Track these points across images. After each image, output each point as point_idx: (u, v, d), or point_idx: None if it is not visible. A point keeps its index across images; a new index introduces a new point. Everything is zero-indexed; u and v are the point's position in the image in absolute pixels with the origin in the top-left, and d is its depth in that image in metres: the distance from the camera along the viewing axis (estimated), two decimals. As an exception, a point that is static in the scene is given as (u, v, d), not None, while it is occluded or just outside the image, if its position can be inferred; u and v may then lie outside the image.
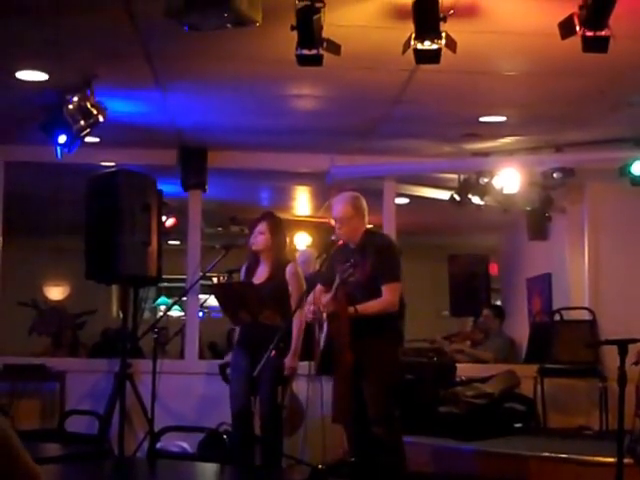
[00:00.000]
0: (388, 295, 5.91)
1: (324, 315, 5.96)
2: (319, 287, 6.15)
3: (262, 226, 6.63)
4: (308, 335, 6.54)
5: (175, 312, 11.99)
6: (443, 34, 4.71)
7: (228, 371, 7.05)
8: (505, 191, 8.31)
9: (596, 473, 6.08)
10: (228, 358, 7.03)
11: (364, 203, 6.17)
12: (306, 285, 6.57)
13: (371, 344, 5.83)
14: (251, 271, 6.75)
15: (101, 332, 11.55)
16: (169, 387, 7.63)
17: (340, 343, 5.82)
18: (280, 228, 6.78)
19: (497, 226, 11.23)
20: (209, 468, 6.41)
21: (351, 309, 5.82)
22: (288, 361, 6.43)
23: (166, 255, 7.64)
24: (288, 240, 7.15)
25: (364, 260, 5.95)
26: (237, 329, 6.88)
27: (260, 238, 6.63)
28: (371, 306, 5.87)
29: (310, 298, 6.10)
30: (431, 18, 4.61)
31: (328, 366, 5.99)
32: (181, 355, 9.26)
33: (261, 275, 6.69)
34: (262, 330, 6.23)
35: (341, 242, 6.12)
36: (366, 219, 6.18)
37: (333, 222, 6.20)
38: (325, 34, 4.75)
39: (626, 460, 5.30)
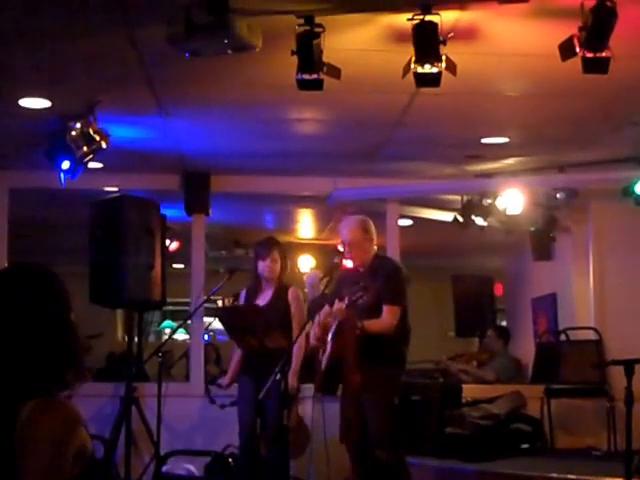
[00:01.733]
0: (387, 316, 5.91)
1: (329, 336, 5.95)
2: (325, 309, 6.14)
3: (275, 254, 6.86)
4: (312, 357, 6.55)
5: (180, 335, 11.99)
6: (443, 57, 4.72)
7: (213, 391, 7.28)
8: (509, 212, 8.29)
9: (604, 494, 6.06)
10: (220, 381, 7.17)
11: (373, 226, 6.18)
12: (311, 308, 6.60)
13: (373, 367, 5.82)
14: (252, 295, 6.85)
15: (106, 356, 11.53)
16: (175, 410, 7.61)
17: (348, 364, 5.82)
18: (285, 253, 7.09)
19: (501, 247, 11.19)
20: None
21: (358, 324, 5.83)
22: (289, 380, 6.45)
23: (170, 279, 7.65)
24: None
25: (373, 284, 5.94)
26: (235, 357, 7.02)
27: (275, 266, 6.84)
28: (370, 324, 5.87)
29: (316, 320, 6.10)
30: (431, 41, 4.62)
31: (330, 385, 5.98)
32: (187, 378, 9.25)
33: (265, 298, 6.78)
34: (266, 356, 6.27)
35: (351, 266, 6.13)
36: (374, 242, 6.19)
37: (341, 247, 6.20)
38: (325, 58, 4.77)
39: (634, 481, 5.27)
